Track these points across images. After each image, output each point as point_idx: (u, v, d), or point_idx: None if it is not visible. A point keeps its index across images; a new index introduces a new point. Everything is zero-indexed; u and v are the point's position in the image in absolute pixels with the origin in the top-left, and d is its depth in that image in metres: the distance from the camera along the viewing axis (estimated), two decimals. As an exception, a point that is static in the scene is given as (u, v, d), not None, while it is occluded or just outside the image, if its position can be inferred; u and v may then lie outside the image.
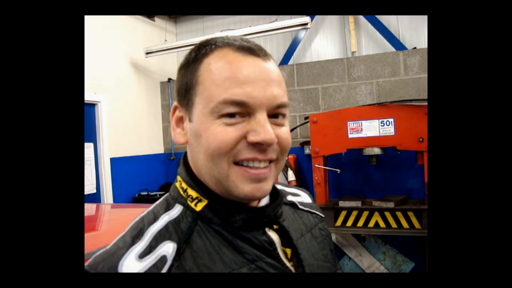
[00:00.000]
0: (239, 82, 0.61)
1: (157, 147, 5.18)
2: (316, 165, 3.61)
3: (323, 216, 0.90)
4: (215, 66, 0.64)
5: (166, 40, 5.10)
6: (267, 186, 0.65)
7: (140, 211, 0.70)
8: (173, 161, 5.22)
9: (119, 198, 4.34)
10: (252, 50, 0.65)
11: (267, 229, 0.69)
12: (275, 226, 0.71)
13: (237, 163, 0.63)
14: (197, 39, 4.52)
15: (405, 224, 3.34)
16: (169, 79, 5.23)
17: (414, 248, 3.88)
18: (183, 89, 0.67)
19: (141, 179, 4.75)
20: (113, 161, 4.32)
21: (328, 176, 3.82)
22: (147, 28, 5.05)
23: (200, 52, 0.67)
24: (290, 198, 0.85)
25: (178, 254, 0.61)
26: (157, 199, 0.73)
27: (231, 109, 0.61)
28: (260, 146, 0.62)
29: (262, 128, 0.61)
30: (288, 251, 0.71)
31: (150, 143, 5.03)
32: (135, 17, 4.81)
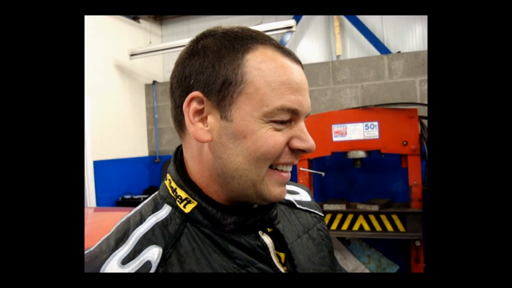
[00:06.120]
0: (293, 90, 0.61)
1: (141, 150, 5.12)
2: (301, 168, 3.61)
3: (322, 215, 0.86)
4: (267, 66, 0.60)
5: (151, 42, 5.05)
6: (286, 188, 0.67)
7: (124, 215, 0.67)
8: (157, 164, 5.16)
9: (102, 201, 4.28)
10: (292, 54, 0.66)
11: (260, 233, 0.66)
12: (269, 229, 0.68)
13: (271, 166, 0.62)
14: (183, 41, 4.49)
15: (389, 227, 3.36)
16: (154, 82, 5.19)
17: (398, 251, 3.91)
18: (217, 82, 0.60)
19: (125, 182, 4.68)
20: (97, 164, 4.25)
21: (312, 180, 3.83)
22: (131, 30, 5.00)
23: (236, 43, 0.61)
24: (287, 197, 0.81)
25: (164, 259, 0.58)
26: (140, 203, 0.70)
27: (285, 116, 0.61)
28: (301, 152, 0.63)
29: (307, 136, 0.63)
30: (282, 255, 0.68)
31: (134, 145, 4.97)
32: (120, 18, 4.76)
